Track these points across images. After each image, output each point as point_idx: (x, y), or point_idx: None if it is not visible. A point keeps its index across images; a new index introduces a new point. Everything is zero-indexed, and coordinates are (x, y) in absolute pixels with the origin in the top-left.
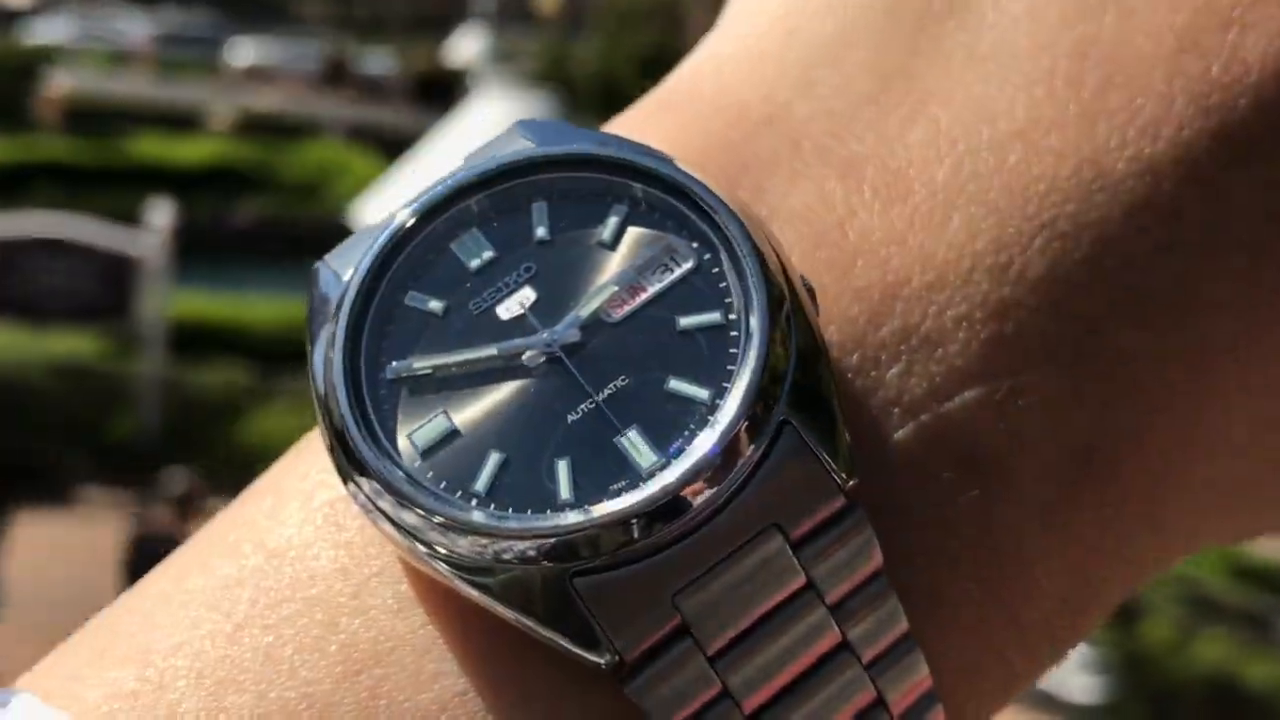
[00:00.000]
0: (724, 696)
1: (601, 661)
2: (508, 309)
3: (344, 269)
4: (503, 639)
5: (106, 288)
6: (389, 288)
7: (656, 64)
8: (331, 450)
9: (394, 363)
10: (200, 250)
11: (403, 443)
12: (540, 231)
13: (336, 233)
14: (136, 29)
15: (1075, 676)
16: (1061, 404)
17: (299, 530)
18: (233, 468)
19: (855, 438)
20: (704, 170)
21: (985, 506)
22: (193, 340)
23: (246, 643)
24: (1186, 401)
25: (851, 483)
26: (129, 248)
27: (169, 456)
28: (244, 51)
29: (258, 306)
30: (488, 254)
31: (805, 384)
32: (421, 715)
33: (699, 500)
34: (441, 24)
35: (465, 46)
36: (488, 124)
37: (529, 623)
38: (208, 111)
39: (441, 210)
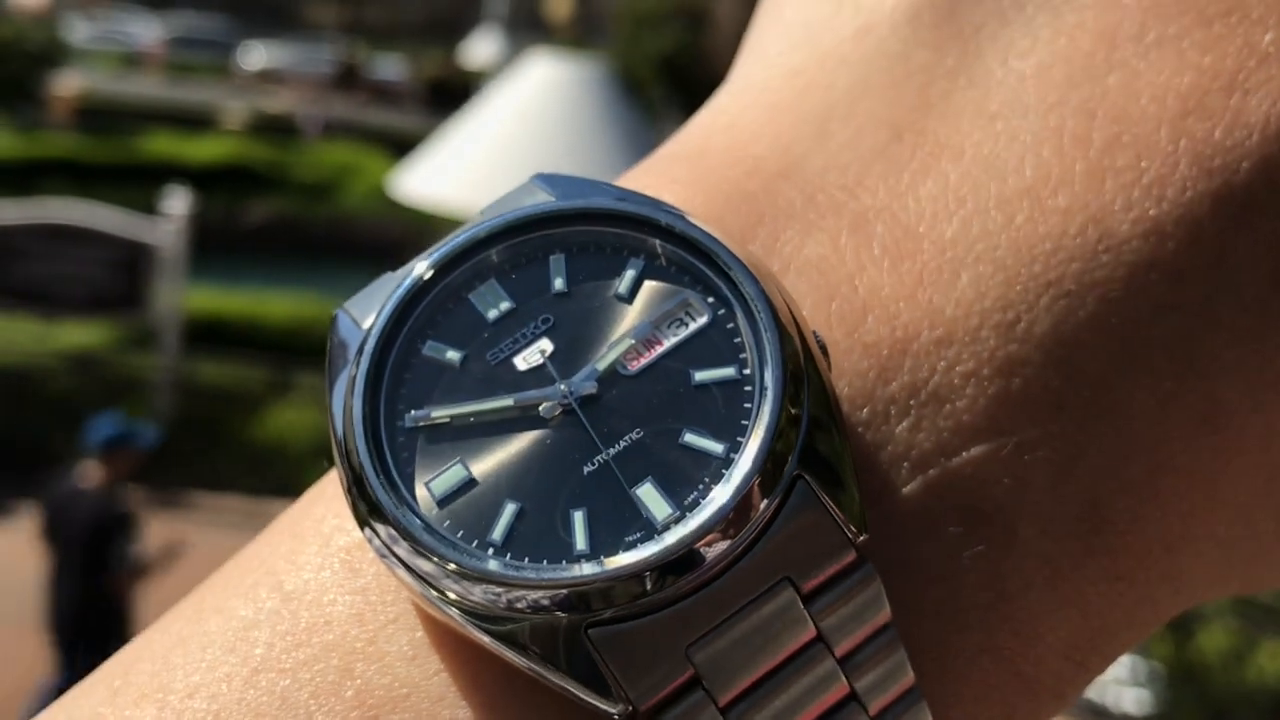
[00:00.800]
0: None
1: (614, 711)
2: (525, 360)
3: (363, 316)
4: (516, 686)
5: (121, 277)
6: (408, 337)
7: (676, 64)
8: (349, 495)
9: (412, 411)
10: (214, 246)
11: (420, 491)
12: (558, 284)
13: (348, 231)
14: (149, 32)
15: (1128, 688)
16: (1068, 460)
17: (316, 575)
18: (247, 461)
19: (864, 491)
20: (720, 222)
21: (992, 561)
22: (207, 335)
23: (263, 686)
24: (1192, 459)
25: (862, 537)
26: (145, 236)
27: (182, 450)
28: (256, 55)
29: (271, 302)
30: (505, 305)
31: (818, 440)
32: None
33: (713, 554)
34: (454, 30)
35: (479, 51)
36: (537, 88)
37: (542, 670)
38: (221, 110)
39: (460, 261)
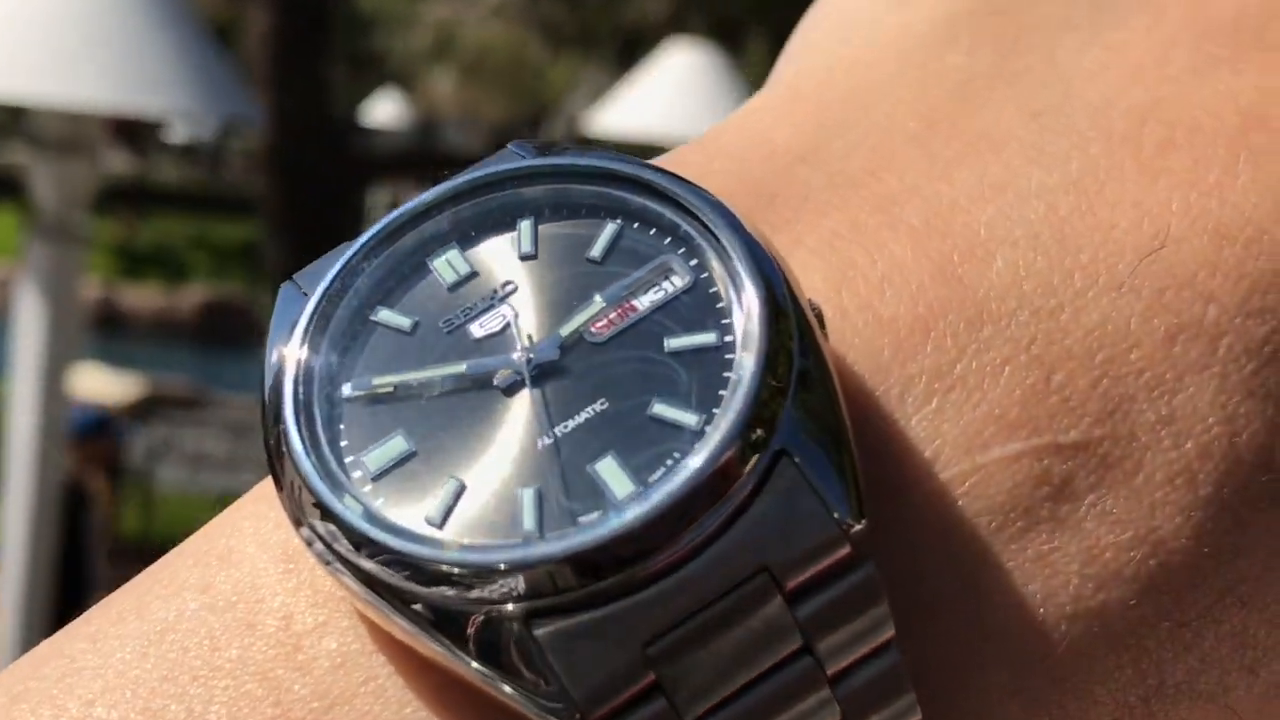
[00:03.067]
0: None
1: (561, 718)
2: (483, 326)
3: (311, 286)
4: (452, 696)
5: None
6: (353, 303)
7: None
8: (274, 473)
9: (352, 380)
10: None
11: (354, 465)
12: (525, 247)
13: None
14: None
15: None
16: (1111, 467)
17: (247, 574)
18: None
19: (871, 485)
20: (729, 201)
21: (1019, 579)
22: None
23: (171, 694)
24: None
25: (859, 527)
26: None
27: None
28: None
29: None
30: (465, 269)
31: (808, 412)
32: None
33: (678, 535)
34: None
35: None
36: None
37: (482, 673)
38: None
39: (417, 222)
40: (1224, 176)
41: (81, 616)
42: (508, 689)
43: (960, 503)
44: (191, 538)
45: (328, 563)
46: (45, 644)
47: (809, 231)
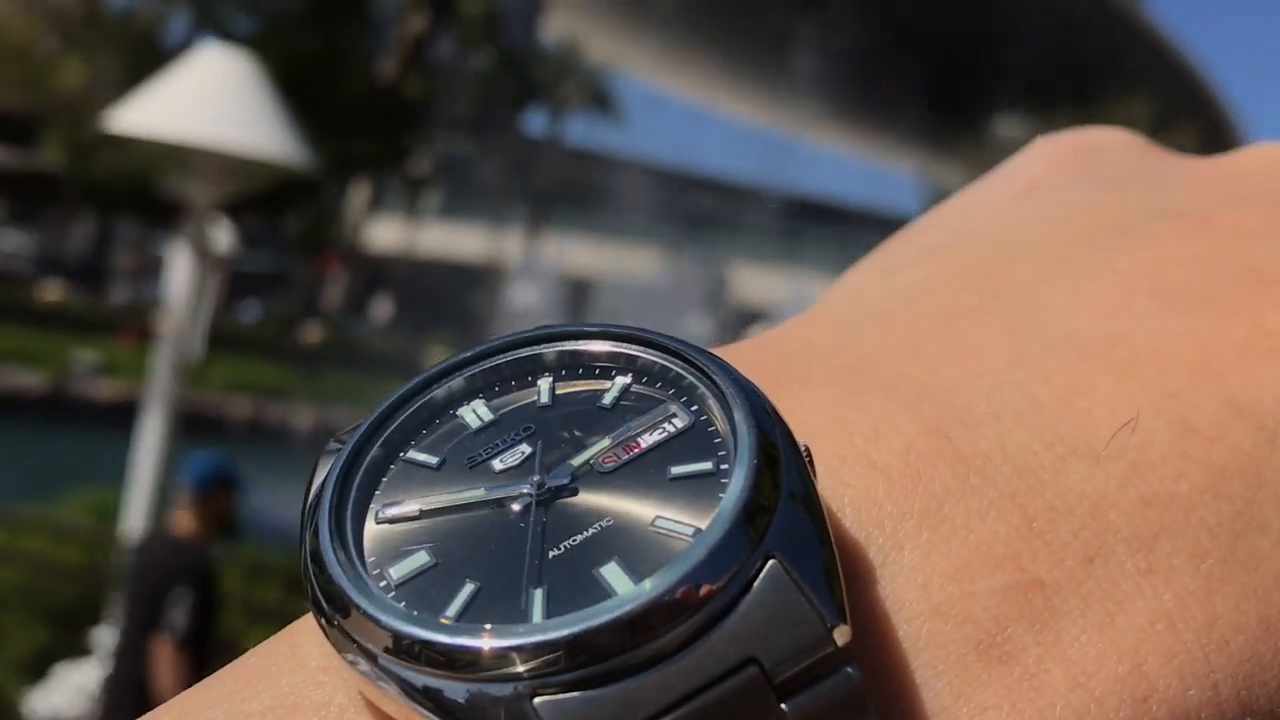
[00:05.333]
0: None
1: None
2: (502, 461)
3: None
4: None
5: None
6: (384, 447)
7: None
8: (310, 586)
9: (383, 509)
10: None
11: (380, 578)
12: (543, 398)
13: None
14: None
15: None
16: (1094, 606)
17: (286, 687)
18: None
19: (862, 608)
20: None
21: (1008, 698)
22: None
23: None
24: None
25: (842, 628)
26: None
27: None
28: None
29: None
30: (489, 417)
31: (795, 524)
32: None
33: (673, 624)
34: None
35: None
36: None
37: None
38: None
39: (445, 379)
40: (1186, 388)
41: None
42: None
43: (949, 626)
44: (247, 653)
45: (356, 663)
46: None
47: (809, 398)
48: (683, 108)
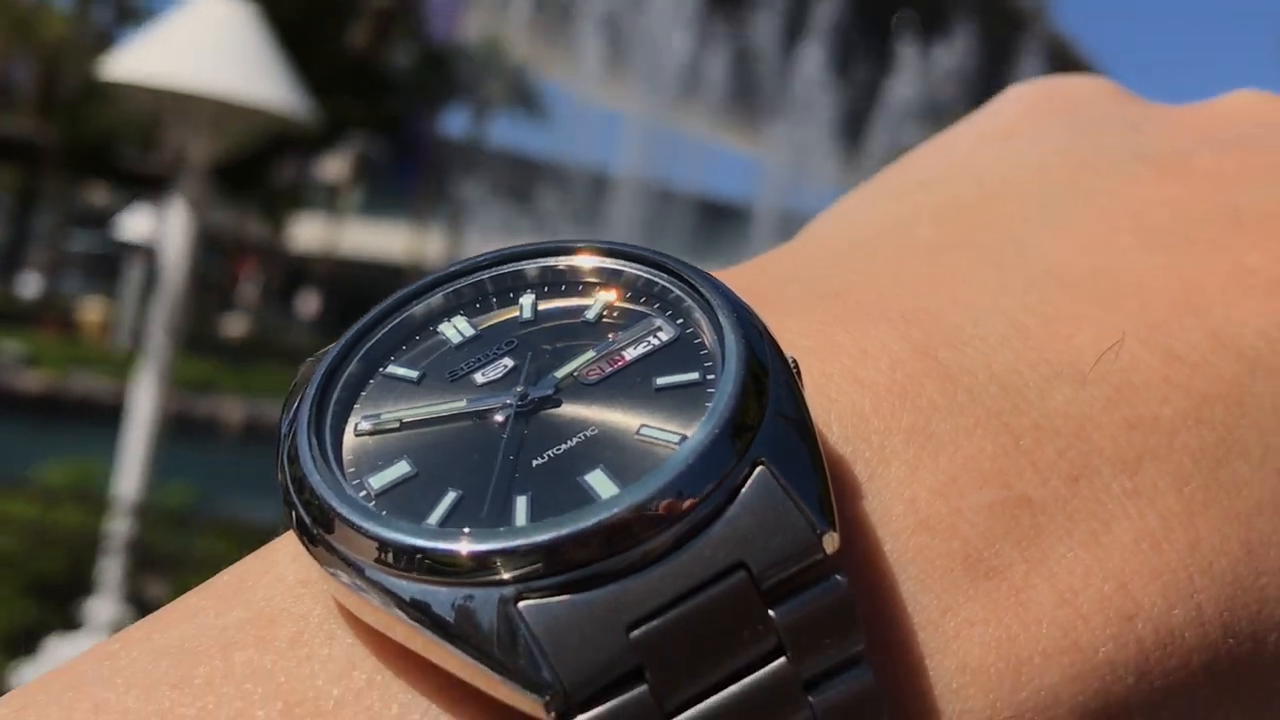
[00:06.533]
0: None
1: (543, 700)
2: (484, 375)
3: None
4: (452, 693)
5: None
6: (363, 362)
7: None
8: (289, 501)
9: (361, 422)
10: None
11: (359, 488)
12: (525, 314)
13: None
14: None
15: None
16: (1079, 524)
17: (262, 599)
18: None
19: (849, 523)
20: None
21: (996, 613)
22: None
23: (184, 696)
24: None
25: (830, 535)
26: None
27: None
28: None
29: None
30: (470, 333)
31: (783, 431)
32: None
33: (659, 528)
34: None
35: None
36: None
37: (468, 659)
38: None
39: (424, 296)
40: (1170, 320)
41: (100, 642)
42: (496, 677)
43: (936, 540)
44: (220, 572)
45: (336, 575)
46: (63, 664)
47: (796, 320)
48: (604, 112)
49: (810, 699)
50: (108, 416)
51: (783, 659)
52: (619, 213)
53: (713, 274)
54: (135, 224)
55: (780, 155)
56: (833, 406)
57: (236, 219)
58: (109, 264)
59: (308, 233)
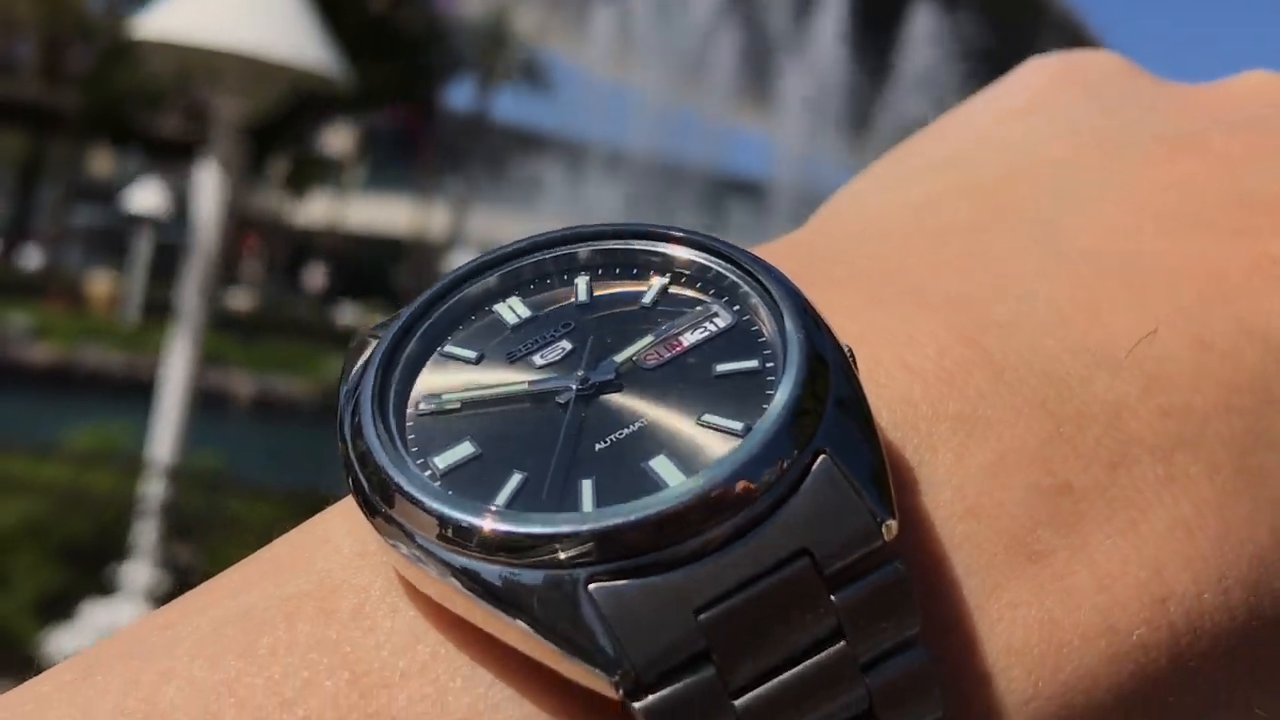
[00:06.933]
0: None
1: (613, 679)
2: (543, 357)
3: (383, 333)
4: (518, 667)
5: None
6: (423, 340)
7: None
8: (353, 474)
9: (423, 401)
10: None
11: (425, 466)
12: (581, 296)
13: None
14: None
15: None
16: (1118, 511)
17: (321, 570)
18: None
19: (900, 509)
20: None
21: (1040, 596)
22: None
23: (249, 665)
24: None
25: (890, 522)
26: None
27: None
28: None
29: None
30: (526, 314)
31: (844, 421)
32: None
33: (725, 516)
34: None
35: None
36: None
37: (537, 637)
38: None
39: (479, 277)
40: (1199, 307)
41: (154, 611)
42: (564, 655)
43: (982, 526)
44: (274, 541)
45: (397, 547)
46: (118, 633)
47: (841, 303)
48: (610, 86)
49: (866, 680)
50: (117, 389)
51: (842, 642)
52: (626, 189)
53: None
54: (143, 196)
55: (792, 132)
56: (882, 393)
57: (242, 191)
58: (112, 239)
59: (312, 207)
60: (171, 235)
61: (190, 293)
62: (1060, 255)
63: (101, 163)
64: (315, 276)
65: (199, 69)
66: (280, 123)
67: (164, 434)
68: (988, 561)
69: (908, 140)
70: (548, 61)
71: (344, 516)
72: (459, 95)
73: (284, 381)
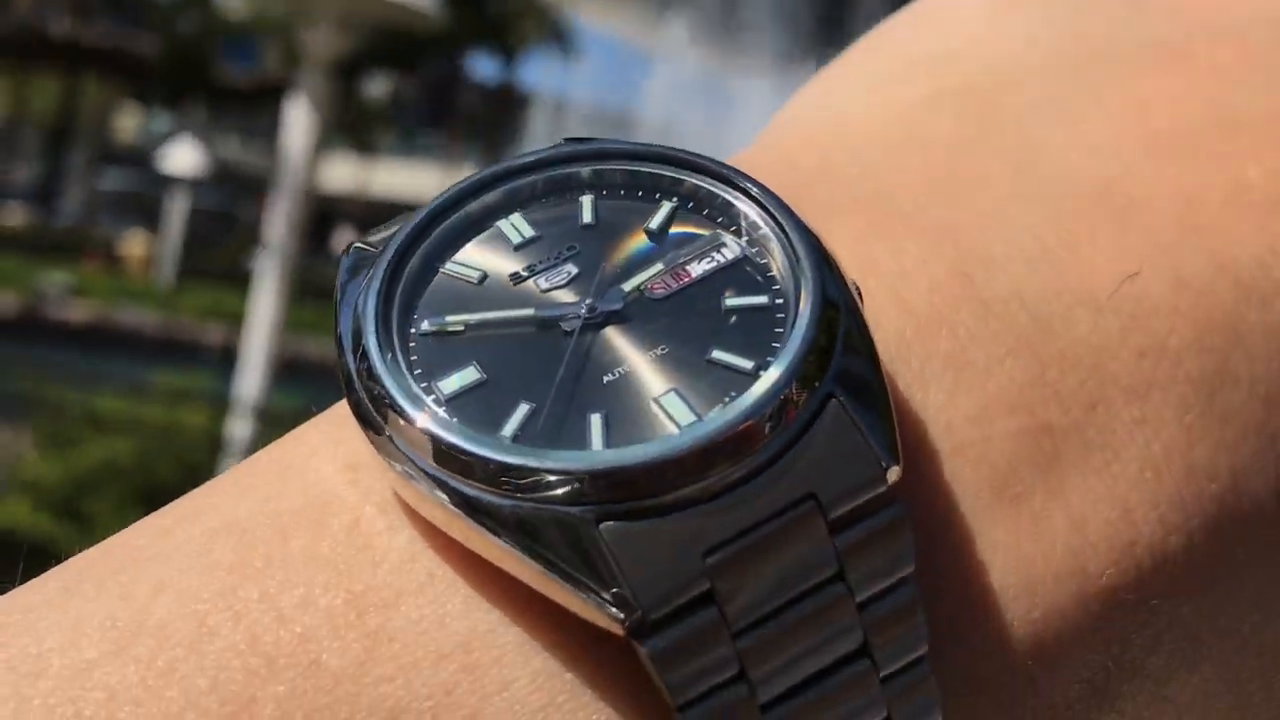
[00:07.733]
0: (740, 679)
1: (619, 617)
2: (548, 280)
3: (381, 245)
4: (519, 594)
5: None
6: (424, 256)
7: None
8: (353, 390)
9: (427, 319)
10: None
11: (429, 389)
12: (586, 217)
13: None
14: None
15: None
16: (1093, 452)
17: (315, 482)
18: None
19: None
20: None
21: (1016, 538)
22: None
23: (244, 578)
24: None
25: (894, 469)
26: None
27: None
28: None
29: None
30: (530, 233)
31: (853, 365)
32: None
33: (736, 458)
34: None
35: None
36: None
37: (543, 572)
38: None
39: (481, 192)
40: (1176, 242)
41: (145, 517)
42: (572, 591)
43: (968, 466)
44: (256, 454)
45: (396, 467)
46: (107, 540)
47: (836, 228)
48: (634, 51)
49: (861, 617)
50: (155, 348)
51: (840, 584)
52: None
53: (737, 162)
54: (179, 156)
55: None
56: (877, 331)
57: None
58: (142, 201)
59: (339, 171)
60: (205, 200)
61: (279, 227)
62: (1041, 178)
63: (126, 123)
64: (343, 240)
65: (292, 2)
66: (354, 65)
67: (252, 372)
68: (972, 502)
69: (882, 27)
70: (574, 25)
71: (332, 426)
72: (484, 65)
73: (315, 343)
